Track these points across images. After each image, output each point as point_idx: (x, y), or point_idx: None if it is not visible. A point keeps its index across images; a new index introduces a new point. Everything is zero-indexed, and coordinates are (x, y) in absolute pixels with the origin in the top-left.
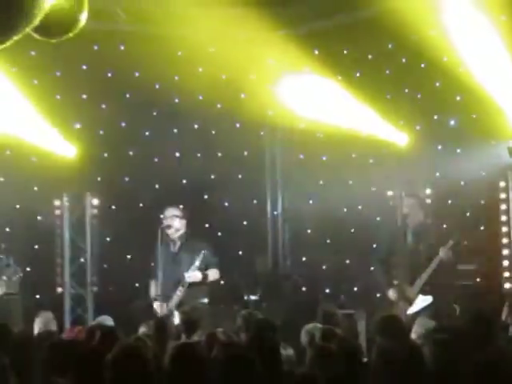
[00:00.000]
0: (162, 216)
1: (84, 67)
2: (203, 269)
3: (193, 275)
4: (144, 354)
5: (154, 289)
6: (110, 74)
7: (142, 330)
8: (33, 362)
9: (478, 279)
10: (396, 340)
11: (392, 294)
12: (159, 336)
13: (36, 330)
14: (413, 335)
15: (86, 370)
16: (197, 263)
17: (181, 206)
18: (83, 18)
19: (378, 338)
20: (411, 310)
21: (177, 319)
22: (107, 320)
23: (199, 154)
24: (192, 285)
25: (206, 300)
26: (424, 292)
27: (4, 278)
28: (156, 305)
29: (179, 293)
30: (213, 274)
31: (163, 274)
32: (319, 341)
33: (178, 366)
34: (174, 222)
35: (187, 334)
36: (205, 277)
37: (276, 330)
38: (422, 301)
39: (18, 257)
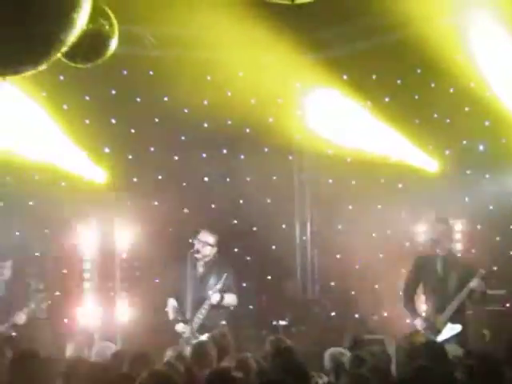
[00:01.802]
0: (194, 239)
1: (113, 92)
2: (223, 292)
3: (215, 296)
4: (174, 381)
5: (171, 308)
6: (138, 99)
7: (169, 353)
8: None
9: (508, 304)
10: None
11: (419, 323)
12: (198, 361)
13: (68, 355)
14: None
15: None
16: (219, 286)
17: (214, 235)
18: (114, 44)
19: (411, 361)
20: (440, 338)
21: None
22: (109, 347)
23: (228, 179)
24: (213, 310)
25: (224, 323)
26: (453, 320)
27: (32, 305)
28: (179, 327)
29: (201, 315)
30: (228, 299)
31: (187, 296)
32: (349, 367)
33: None
34: (204, 249)
35: (218, 358)
36: (221, 299)
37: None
38: (451, 329)
39: (47, 282)
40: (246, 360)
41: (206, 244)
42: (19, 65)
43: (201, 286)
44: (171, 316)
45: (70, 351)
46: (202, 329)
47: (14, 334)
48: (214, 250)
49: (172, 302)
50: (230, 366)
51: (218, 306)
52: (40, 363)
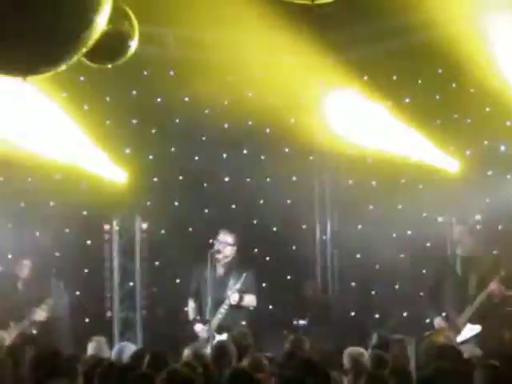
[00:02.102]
0: (214, 239)
1: (134, 92)
2: (243, 292)
3: (234, 296)
4: (192, 380)
5: (191, 309)
6: (159, 100)
7: (187, 353)
8: None
9: None
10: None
11: (439, 322)
12: (217, 360)
13: (88, 354)
14: None
15: None
16: (238, 285)
17: (233, 235)
18: (134, 44)
19: (430, 362)
20: (459, 339)
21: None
22: (128, 347)
23: (248, 179)
24: (233, 310)
25: (244, 323)
26: (473, 321)
27: (51, 301)
28: (197, 327)
29: (220, 315)
30: (248, 299)
31: (210, 299)
32: (370, 366)
33: None
34: (225, 249)
35: (237, 358)
36: (240, 299)
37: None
38: (470, 330)
39: (67, 281)
40: (260, 360)
41: (226, 244)
42: (40, 65)
43: (220, 286)
44: (190, 316)
45: (90, 350)
46: (220, 329)
47: (34, 331)
48: (234, 249)
49: (191, 303)
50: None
51: (238, 306)
52: (61, 362)
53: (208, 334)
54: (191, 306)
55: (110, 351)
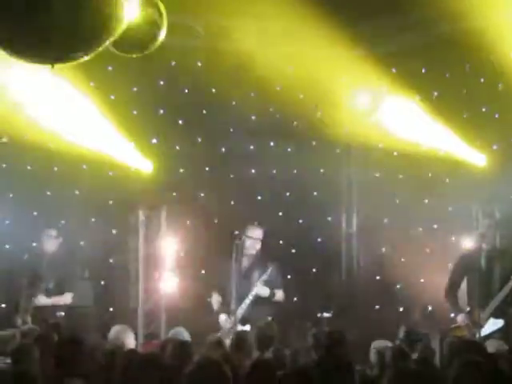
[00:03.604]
0: (243, 235)
1: (161, 83)
2: (271, 285)
3: (261, 288)
4: (224, 369)
5: (217, 302)
6: (186, 90)
7: (209, 342)
8: (107, 375)
9: None
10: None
11: (462, 317)
12: (237, 350)
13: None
14: None
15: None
16: (265, 277)
17: (260, 228)
18: (162, 34)
19: (455, 356)
20: (482, 333)
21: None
22: (182, 332)
23: (275, 171)
24: (258, 302)
25: (269, 318)
26: (496, 315)
27: (78, 291)
28: (221, 318)
29: (244, 306)
30: (279, 295)
31: (235, 292)
32: (393, 360)
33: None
34: (256, 245)
35: (261, 349)
36: (272, 295)
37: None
38: (493, 324)
39: (92, 270)
40: (282, 353)
41: (257, 240)
42: (68, 54)
43: (245, 279)
44: (215, 308)
45: (111, 337)
46: (244, 320)
47: (60, 315)
48: (260, 243)
49: (215, 295)
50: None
51: (265, 300)
52: (84, 350)
53: (231, 325)
54: (215, 299)
55: (133, 339)
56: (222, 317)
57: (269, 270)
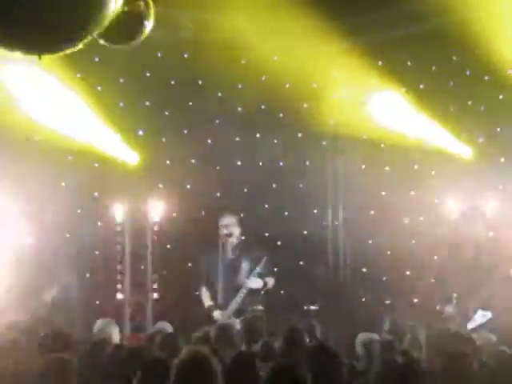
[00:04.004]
0: (219, 224)
1: (147, 74)
2: (263, 276)
3: (255, 281)
4: (211, 362)
5: (206, 296)
6: (173, 82)
7: (196, 335)
8: (93, 367)
9: None
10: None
11: (449, 309)
12: (219, 343)
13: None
14: None
15: (152, 376)
16: (258, 269)
17: (231, 215)
18: (149, 25)
19: (441, 348)
20: (470, 325)
21: (237, 326)
22: (166, 326)
23: (261, 163)
24: (250, 293)
25: (261, 307)
26: (484, 307)
27: (62, 286)
28: (215, 313)
29: (239, 299)
30: (270, 283)
31: (222, 283)
32: (380, 353)
33: (234, 375)
34: (234, 230)
35: (248, 343)
36: (265, 284)
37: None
38: (482, 316)
39: (78, 263)
40: (270, 346)
41: (233, 225)
42: (54, 44)
43: (232, 270)
44: (205, 303)
45: (96, 330)
46: (238, 313)
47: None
48: (239, 228)
49: (204, 290)
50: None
51: (257, 291)
52: (70, 343)
53: (226, 318)
54: (205, 293)
55: (118, 333)
56: (216, 313)
57: (263, 262)
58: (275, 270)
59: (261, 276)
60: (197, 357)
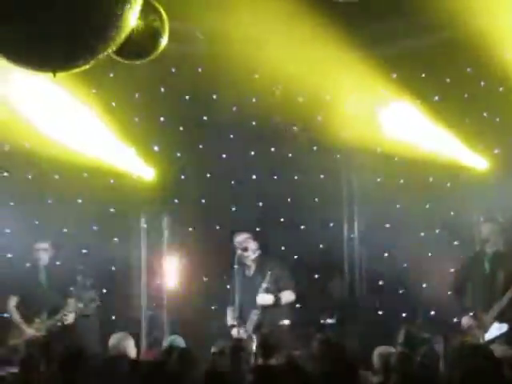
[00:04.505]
0: (234, 242)
1: (162, 89)
2: (275, 290)
3: (262, 297)
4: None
5: (230, 316)
6: (187, 97)
7: (213, 350)
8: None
9: None
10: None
11: (466, 321)
12: (234, 357)
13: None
14: None
15: None
16: (264, 285)
17: (244, 233)
18: (164, 41)
19: (459, 361)
20: (486, 338)
21: (255, 343)
22: (178, 340)
23: (276, 177)
24: (270, 307)
25: (286, 322)
26: (500, 320)
27: (80, 305)
28: (234, 331)
29: (254, 316)
30: (286, 296)
31: (240, 299)
32: (397, 366)
33: None
34: (250, 244)
35: (264, 357)
36: (277, 300)
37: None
38: (497, 329)
39: (94, 278)
40: (294, 358)
41: (247, 239)
42: (69, 61)
43: (251, 287)
44: (229, 322)
45: (112, 344)
46: (258, 329)
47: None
48: (256, 243)
49: (229, 309)
50: (278, 363)
51: (275, 306)
52: (87, 361)
53: (245, 335)
54: (229, 313)
55: (133, 347)
56: (235, 331)
57: (267, 277)
58: (293, 282)
59: (268, 291)
60: (214, 375)
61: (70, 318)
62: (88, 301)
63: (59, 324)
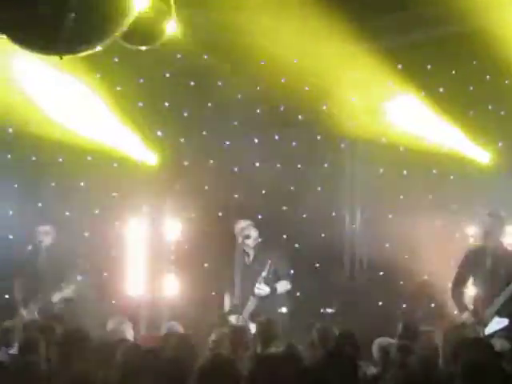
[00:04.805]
0: (236, 229)
1: (167, 75)
2: (273, 280)
3: (261, 287)
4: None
5: (228, 302)
6: (192, 83)
7: (213, 338)
8: (108, 367)
9: None
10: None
11: (466, 315)
12: (234, 345)
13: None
14: None
15: (165, 378)
16: (263, 274)
17: (244, 220)
18: (170, 26)
19: (458, 354)
20: (486, 332)
21: (252, 330)
22: (176, 326)
23: (279, 165)
24: (264, 298)
25: (284, 309)
26: (501, 314)
27: (79, 284)
28: (231, 317)
29: (251, 304)
30: (282, 286)
31: (238, 286)
32: (396, 358)
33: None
34: (251, 232)
35: (263, 345)
36: (274, 290)
37: (356, 344)
38: (497, 323)
39: (95, 261)
40: (294, 347)
41: (249, 226)
42: (76, 45)
43: (249, 273)
44: (226, 308)
45: (110, 328)
46: (254, 317)
47: (60, 309)
48: (257, 230)
49: (227, 296)
50: (276, 352)
51: (271, 295)
52: (89, 344)
53: (241, 323)
54: (227, 298)
55: (131, 331)
56: (232, 317)
57: (267, 267)
58: (291, 272)
59: (267, 281)
60: (222, 361)
61: (68, 293)
62: (86, 281)
63: (58, 305)
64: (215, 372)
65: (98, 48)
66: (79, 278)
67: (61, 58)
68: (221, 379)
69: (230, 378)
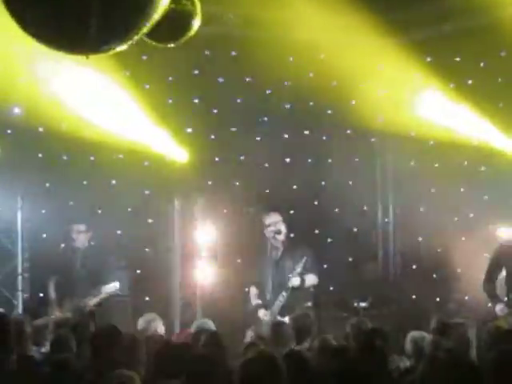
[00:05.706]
0: (266, 224)
1: (196, 72)
2: (303, 274)
3: (295, 280)
4: (279, 364)
5: (254, 295)
6: (221, 79)
7: (250, 334)
8: (139, 363)
9: None
10: None
11: (499, 309)
12: (275, 341)
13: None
14: None
15: (198, 374)
16: (298, 269)
17: (274, 213)
18: (197, 23)
19: (492, 347)
20: None
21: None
22: (208, 323)
23: (310, 160)
24: (295, 289)
25: (309, 304)
26: None
27: (114, 284)
28: (261, 312)
29: (282, 298)
30: (309, 280)
31: (267, 281)
32: (429, 351)
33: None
34: (282, 227)
35: (298, 340)
36: (303, 282)
37: (387, 339)
38: None
39: (128, 259)
40: (329, 341)
41: (280, 222)
42: (103, 44)
43: (278, 269)
44: (253, 302)
45: (141, 326)
46: (284, 311)
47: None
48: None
49: (253, 289)
50: (311, 346)
51: (300, 289)
52: (121, 339)
53: (271, 317)
54: (253, 292)
55: (162, 328)
56: (261, 311)
57: (302, 262)
58: (319, 267)
59: (301, 275)
60: (265, 358)
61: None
62: (121, 280)
63: (87, 307)
64: (259, 369)
65: (125, 46)
66: (113, 276)
67: (87, 58)
68: (265, 376)
69: (274, 374)
